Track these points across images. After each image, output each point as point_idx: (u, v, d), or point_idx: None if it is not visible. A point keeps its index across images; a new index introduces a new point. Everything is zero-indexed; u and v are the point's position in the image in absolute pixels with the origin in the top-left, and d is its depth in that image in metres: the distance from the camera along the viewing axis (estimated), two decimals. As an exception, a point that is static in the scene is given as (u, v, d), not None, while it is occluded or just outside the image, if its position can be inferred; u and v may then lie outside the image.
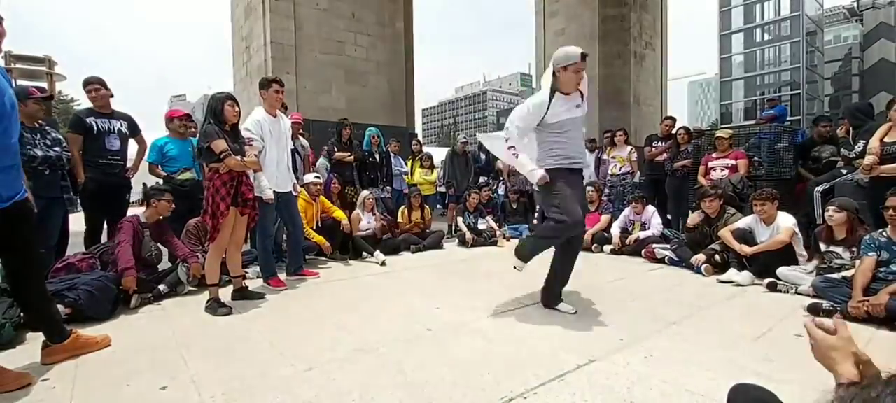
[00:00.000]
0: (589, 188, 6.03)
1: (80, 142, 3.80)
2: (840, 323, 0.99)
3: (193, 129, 4.94)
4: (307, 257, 4.67)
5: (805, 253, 3.76)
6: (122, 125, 4.03)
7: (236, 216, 3.20)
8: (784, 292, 3.35)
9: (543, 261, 3.02)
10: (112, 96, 4.06)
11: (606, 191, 6.57)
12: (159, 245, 3.64)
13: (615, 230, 5.34)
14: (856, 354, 0.93)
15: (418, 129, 20.84)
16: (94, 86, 3.92)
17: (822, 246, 3.46)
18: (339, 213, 5.03)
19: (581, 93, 2.83)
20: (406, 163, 7.26)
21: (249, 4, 7.95)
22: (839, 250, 3.32)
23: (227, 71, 9.36)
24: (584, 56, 2.67)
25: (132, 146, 4.27)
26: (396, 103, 8.82)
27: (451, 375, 1.99)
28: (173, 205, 3.66)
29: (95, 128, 3.85)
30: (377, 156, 6.29)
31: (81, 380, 1.99)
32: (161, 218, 3.62)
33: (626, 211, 5.49)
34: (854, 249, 3.15)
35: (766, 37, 53.09)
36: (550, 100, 2.75)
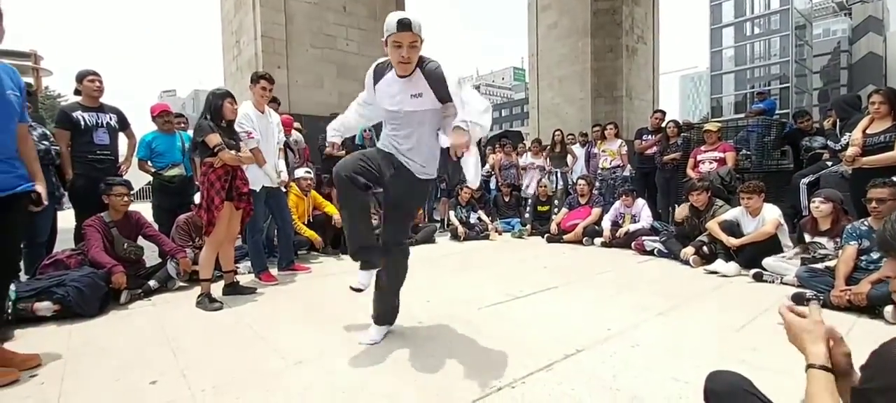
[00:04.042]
0: (580, 181, 6.09)
1: (67, 138, 3.70)
2: (812, 307, 1.03)
3: (183, 125, 4.91)
4: (299, 252, 4.68)
5: (790, 243, 3.83)
6: (111, 119, 3.91)
7: (231, 210, 3.20)
8: (769, 282, 3.41)
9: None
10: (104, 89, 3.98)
11: (597, 184, 6.62)
12: (140, 240, 3.57)
13: (606, 223, 5.40)
14: (829, 334, 0.97)
15: (411, 124, 20.78)
16: (95, 77, 3.81)
17: (807, 237, 3.53)
18: (330, 208, 5.03)
19: (426, 77, 2.00)
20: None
21: (239, -2, 7.86)
22: (823, 240, 3.39)
23: (218, 65, 9.27)
24: (401, 24, 1.88)
25: (122, 140, 4.18)
26: (388, 98, 8.79)
27: (442, 366, 2.01)
28: (128, 197, 3.46)
29: (83, 122, 3.74)
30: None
31: (71, 376, 1.99)
32: (125, 212, 3.44)
33: (617, 204, 5.54)
34: (838, 239, 3.22)
35: (757, 30, 53.50)
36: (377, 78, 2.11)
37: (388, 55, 2.02)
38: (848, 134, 3.88)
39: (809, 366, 0.95)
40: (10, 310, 2.54)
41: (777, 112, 8.75)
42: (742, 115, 11.96)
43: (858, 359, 0.92)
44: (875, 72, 51.96)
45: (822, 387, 0.90)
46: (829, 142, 4.94)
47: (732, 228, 3.94)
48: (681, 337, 2.33)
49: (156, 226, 3.83)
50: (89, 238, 3.22)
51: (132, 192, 3.54)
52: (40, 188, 2.05)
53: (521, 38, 13.99)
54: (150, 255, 3.75)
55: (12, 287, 2.66)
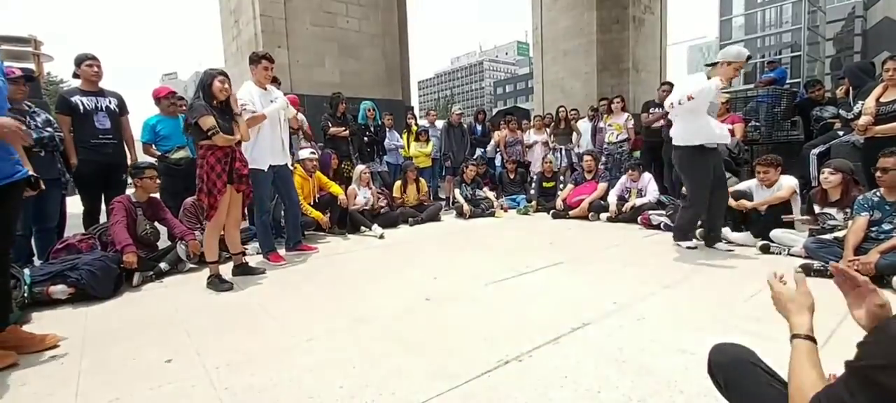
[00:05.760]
0: (586, 157, 6.03)
1: (69, 123, 3.69)
2: (800, 278, 1.04)
3: (183, 107, 4.88)
4: (306, 232, 4.71)
5: (800, 216, 3.80)
6: (110, 102, 3.89)
7: (231, 193, 3.21)
8: (777, 254, 3.40)
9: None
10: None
11: (603, 159, 6.56)
12: (156, 223, 3.64)
13: (612, 198, 5.37)
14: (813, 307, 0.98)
15: (415, 102, 20.56)
16: (93, 61, 3.78)
17: (816, 208, 3.49)
18: (335, 188, 5.03)
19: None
20: (401, 137, 7.22)
21: (236, -24, 7.71)
22: (833, 211, 3.35)
23: (218, 46, 9.17)
24: (748, 58, 3.36)
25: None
26: (391, 76, 8.67)
27: (449, 341, 2.04)
28: (158, 180, 3.65)
29: (82, 107, 3.71)
30: (373, 130, 6.27)
31: (88, 356, 2.04)
32: (151, 195, 3.60)
33: (623, 178, 5.50)
34: (848, 210, 3.18)
35: (768, -3, 51.80)
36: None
37: (721, 72, 3.39)
38: (861, 102, 3.80)
39: (794, 336, 0.95)
40: (26, 294, 2.60)
41: (788, 81, 8.55)
42: (752, 85, 11.70)
43: (861, 331, 0.90)
44: (890, 38, 50.13)
45: (805, 357, 0.90)
46: (841, 111, 4.84)
47: (744, 197, 3.92)
48: (686, 310, 2.34)
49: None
50: (115, 212, 3.32)
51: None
52: (32, 172, 2.06)
53: (525, 12, 13.66)
54: (162, 239, 3.79)
55: (27, 271, 2.72)
